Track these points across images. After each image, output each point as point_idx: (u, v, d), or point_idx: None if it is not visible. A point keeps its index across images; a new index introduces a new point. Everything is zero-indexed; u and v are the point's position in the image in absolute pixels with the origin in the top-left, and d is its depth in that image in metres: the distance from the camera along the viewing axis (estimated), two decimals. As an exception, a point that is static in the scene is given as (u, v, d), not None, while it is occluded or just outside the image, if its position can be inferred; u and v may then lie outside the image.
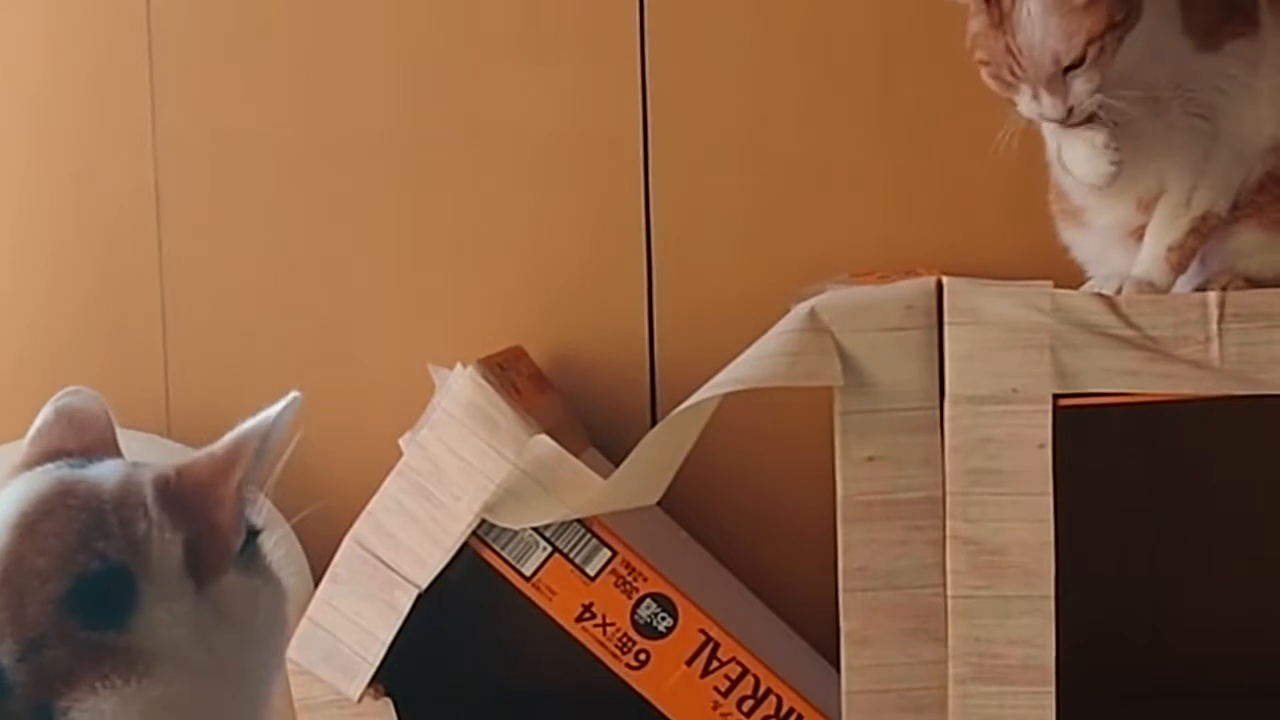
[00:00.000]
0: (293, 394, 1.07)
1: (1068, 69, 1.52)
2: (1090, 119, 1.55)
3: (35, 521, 1.02)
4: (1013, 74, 1.54)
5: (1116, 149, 1.55)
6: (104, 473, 1.06)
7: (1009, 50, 1.53)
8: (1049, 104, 1.53)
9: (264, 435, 1.05)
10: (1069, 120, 1.54)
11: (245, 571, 1.07)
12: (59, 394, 1.12)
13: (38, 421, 1.11)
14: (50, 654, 0.98)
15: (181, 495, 1.05)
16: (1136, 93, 1.55)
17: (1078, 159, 1.58)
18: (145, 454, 1.18)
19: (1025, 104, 1.55)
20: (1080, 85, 1.52)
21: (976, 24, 1.56)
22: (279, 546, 1.11)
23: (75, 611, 0.99)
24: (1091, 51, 1.51)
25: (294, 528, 1.87)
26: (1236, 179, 1.61)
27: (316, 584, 1.69)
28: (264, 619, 1.08)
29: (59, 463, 1.08)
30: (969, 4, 1.57)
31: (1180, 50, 1.58)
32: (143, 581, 1.02)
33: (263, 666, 1.09)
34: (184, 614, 1.02)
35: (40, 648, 0.98)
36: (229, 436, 1.06)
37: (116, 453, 1.12)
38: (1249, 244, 1.62)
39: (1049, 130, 1.62)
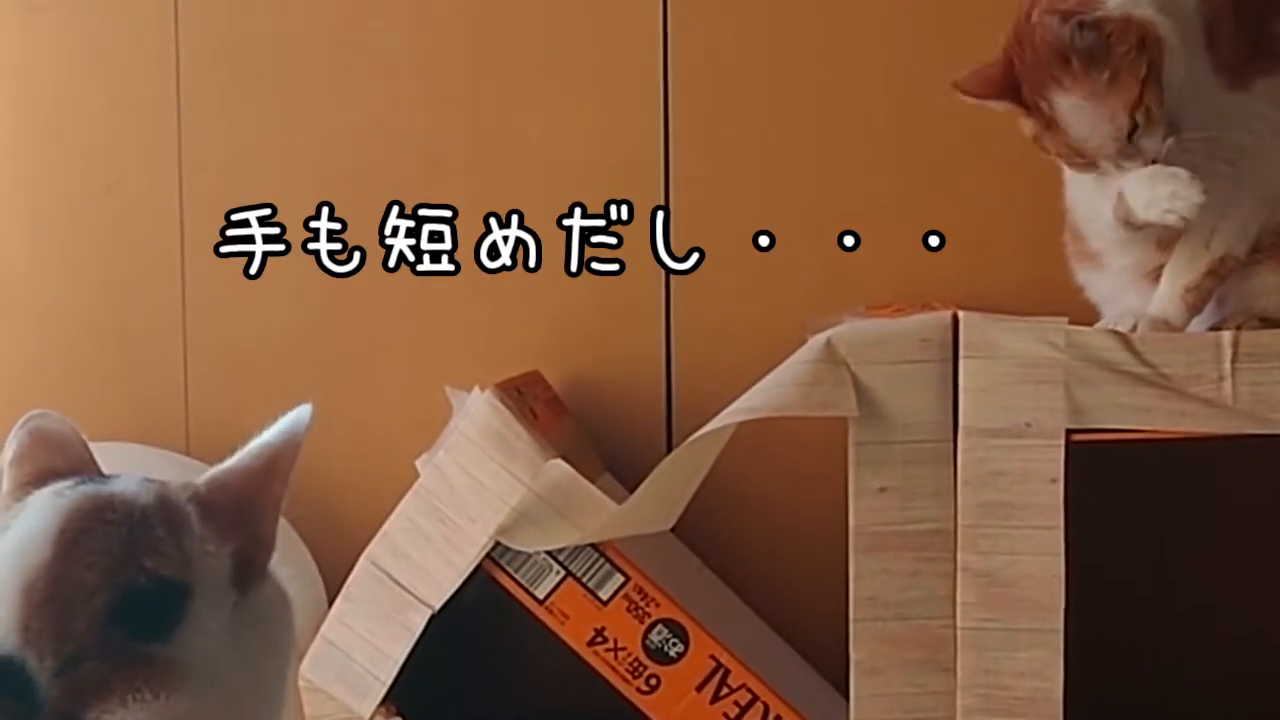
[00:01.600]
0: (306, 405, 1.09)
1: (1130, 135, 1.54)
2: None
3: (77, 537, 1.02)
4: (1084, 161, 1.56)
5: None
6: (131, 488, 1.07)
7: (1069, 146, 1.56)
8: (1132, 168, 1.55)
9: (297, 447, 1.07)
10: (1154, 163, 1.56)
11: (272, 580, 1.09)
12: (24, 419, 1.12)
13: (14, 446, 1.11)
14: (89, 667, 0.98)
15: (223, 509, 1.06)
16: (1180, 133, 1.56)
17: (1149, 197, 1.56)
18: (164, 471, 1.19)
19: (1110, 174, 1.57)
20: (1149, 143, 1.54)
21: (1031, 128, 1.59)
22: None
23: (122, 624, 1.00)
24: (1140, 116, 1.53)
25: (308, 544, 1.88)
26: (1257, 223, 1.61)
27: (331, 602, 1.69)
28: (287, 624, 1.10)
29: (75, 480, 1.08)
30: (1013, 117, 1.59)
31: (1211, 88, 1.58)
32: (196, 597, 1.03)
33: (285, 671, 1.11)
34: (223, 625, 1.04)
35: (80, 661, 0.98)
36: (255, 448, 1.08)
37: (99, 471, 1.12)
38: (1267, 284, 1.62)
39: (1070, 178, 1.64)
